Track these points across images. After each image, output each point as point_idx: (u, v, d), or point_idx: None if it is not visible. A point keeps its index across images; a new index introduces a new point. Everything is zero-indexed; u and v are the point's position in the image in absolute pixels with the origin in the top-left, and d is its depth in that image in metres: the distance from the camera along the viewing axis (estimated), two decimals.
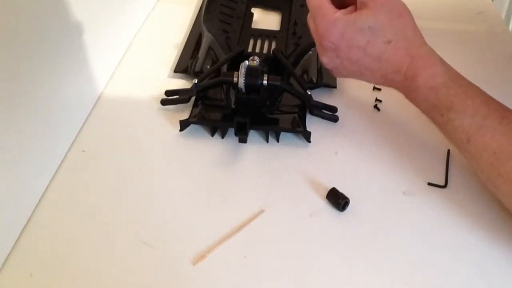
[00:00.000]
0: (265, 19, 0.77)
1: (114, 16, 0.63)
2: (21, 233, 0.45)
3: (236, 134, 0.54)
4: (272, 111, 0.58)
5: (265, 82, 0.55)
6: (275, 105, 0.59)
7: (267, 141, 0.56)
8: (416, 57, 0.49)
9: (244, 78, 0.54)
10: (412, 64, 0.49)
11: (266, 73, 0.55)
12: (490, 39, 0.74)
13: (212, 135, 0.56)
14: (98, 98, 0.60)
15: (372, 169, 0.53)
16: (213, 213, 0.48)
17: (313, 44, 0.64)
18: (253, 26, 0.74)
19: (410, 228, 0.48)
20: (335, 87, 0.62)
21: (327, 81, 0.62)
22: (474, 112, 0.46)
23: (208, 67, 0.62)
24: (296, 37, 0.70)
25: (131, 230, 0.46)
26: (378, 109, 0.60)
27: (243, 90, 0.55)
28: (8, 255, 0.44)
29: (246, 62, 0.55)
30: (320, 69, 0.63)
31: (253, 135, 0.56)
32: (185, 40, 0.69)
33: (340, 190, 0.49)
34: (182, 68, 0.64)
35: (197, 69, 0.62)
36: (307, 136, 0.55)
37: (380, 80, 0.52)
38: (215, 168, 0.52)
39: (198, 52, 0.66)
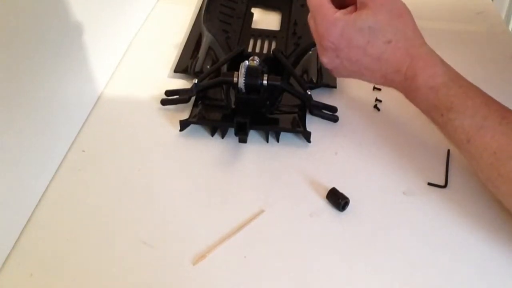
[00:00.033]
0: (265, 19, 0.77)
1: (114, 16, 0.63)
2: (21, 233, 0.45)
3: (236, 134, 0.54)
4: (272, 111, 0.58)
5: (265, 82, 0.55)
6: (275, 105, 0.59)
7: (267, 141, 0.56)
8: (416, 57, 0.49)
9: (244, 78, 0.54)
10: (412, 64, 0.49)
11: (266, 73, 0.55)
12: (490, 39, 0.74)
13: (212, 135, 0.56)
14: (98, 98, 0.60)
15: (372, 169, 0.53)
16: (213, 213, 0.48)
17: (313, 44, 0.64)
18: (253, 26, 0.74)
19: (410, 228, 0.48)
20: (335, 87, 0.62)
21: (327, 81, 0.62)
22: (474, 112, 0.46)
23: (208, 67, 0.62)
24: (296, 37, 0.70)
25: (131, 230, 0.46)
26: (378, 109, 0.60)
27: (243, 90, 0.55)
28: (8, 255, 0.44)
29: (246, 62, 0.55)
30: (320, 69, 0.63)
31: (253, 135, 0.56)
32: (185, 40, 0.69)
33: (340, 190, 0.49)
34: (182, 68, 0.64)
35: (197, 69, 0.62)
36: (307, 136, 0.55)
37: (380, 80, 0.52)
38: (215, 168, 0.52)
39: (198, 52, 0.66)
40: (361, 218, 0.48)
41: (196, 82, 0.58)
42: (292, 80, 0.61)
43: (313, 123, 0.58)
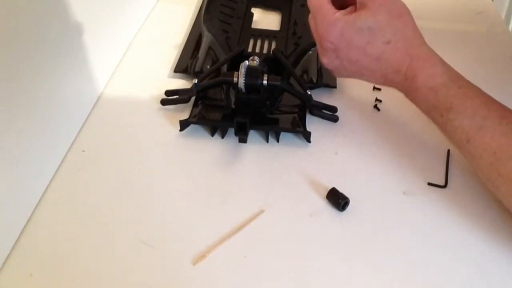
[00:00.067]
0: (265, 19, 0.77)
1: (114, 16, 0.63)
2: (21, 233, 0.45)
3: (236, 134, 0.54)
4: (272, 111, 0.58)
5: (265, 82, 0.55)
6: (275, 105, 0.59)
7: (267, 141, 0.56)
8: (415, 57, 0.49)
9: (244, 78, 0.54)
10: (412, 64, 0.49)
11: (266, 73, 0.55)
12: (490, 39, 0.74)
13: (212, 135, 0.56)
14: (98, 98, 0.60)
15: (372, 169, 0.53)
16: (213, 213, 0.48)
17: (313, 44, 0.64)
18: (253, 26, 0.74)
19: (410, 228, 0.48)
20: (335, 87, 0.62)
21: (327, 81, 0.62)
22: (474, 112, 0.46)
23: (208, 67, 0.62)
24: (296, 37, 0.70)
25: (131, 230, 0.46)
26: (378, 109, 0.60)
27: (243, 90, 0.55)
28: (8, 255, 0.44)
29: (246, 62, 0.55)
30: (320, 69, 0.63)
31: (253, 135, 0.56)
32: (185, 40, 0.69)
33: (340, 190, 0.49)
34: (182, 68, 0.64)
35: (197, 69, 0.62)
36: (307, 136, 0.55)
37: (380, 80, 0.52)
38: (215, 168, 0.52)
39: (198, 52, 0.66)
40: (361, 218, 0.48)
41: (196, 82, 0.58)
42: (292, 80, 0.61)
43: (313, 123, 0.58)
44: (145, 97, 0.60)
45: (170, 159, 0.53)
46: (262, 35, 0.72)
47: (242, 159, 0.54)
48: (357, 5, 0.50)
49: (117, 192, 0.50)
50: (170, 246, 0.45)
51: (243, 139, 0.55)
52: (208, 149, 0.54)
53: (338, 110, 0.59)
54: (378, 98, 0.61)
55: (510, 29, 0.87)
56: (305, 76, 0.62)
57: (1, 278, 0.42)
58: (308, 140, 0.55)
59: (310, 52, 0.65)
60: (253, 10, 0.77)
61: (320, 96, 0.60)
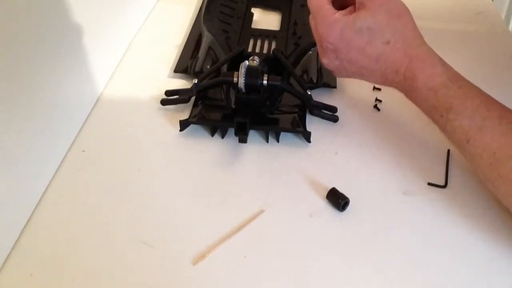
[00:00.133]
0: (265, 19, 0.77)
1: (114, 16, 0.63)
2: (21, 233, 0.45)
3: (236, 134, 0.54)
4: (272, 111, 0.58)
5: (265, 82, 0.55)
6: (275, 105, 0.59)
7: (267, 141, 0.56)
8: (414, 57, 0.49)
9: (244, 78, 0.54)
10: (411, 64, 0.49)
11: (266, 73, 0.55)
12: (490, 39, 0.74)
13: (212, 135, 0.56)
14: (98, 98, 0.60)
15: (372, 169, 0.53)
16: (213, 213, 0.48)
17: (313, 44, 0.64)
18: (253, 26, 0.74)
19: (410, 228, 0.48)
20: (335, 87, 0.62)
21: (327, 81, 0.62)
22: (473, 113, 0.46)
23: (208, 67, 0.62)
24: (296, 37, 0.70)
25: (131, 230, 0.46)
26: (378, 109, 0.60)
27: (243, 90, 0.55)
28: (8, 255, 0.44)
29: (246, 62, 0.55)
30: (320, 69, 0.63)
31: (253, 135, 0.56)
32: (185, 40, 0.69)
33: (340, 190, 0.49)
34: (182, 68, 0.64)
35: (197, 69, 0.62)
36: (307, 136, 0.55)
37: (380, 80, 0.52)
38: (215, 168, 0.52)
39: (198, 52, 0.66)
40: (361, 218, 0.48)
41: (196, 82, 0.58)
42: (292, 80, 0.61)
43: (313, 123, 0.58)
44: (145, 97, 0.60)
45: (170, 159, 0.53)
46: (262, 35, 0.72)
47: (242, 159, 0.54)
48: (357, 5, 0.50)
49: (117, 192, 0.50)
50: (170, 246, 0.45)
51: (243, 139, 0.55)
52: (208, 149, 0.54)
53: (338, 110, 0.59)
54: (378, 98, 0.61)
55: (510, 29, 0.87)
56: (305, 76, 0.62)
57: (1, 278, 0.42)
58: (308, 140, 0.55)
59: (310, 52, 0.65)
60: (253, 10, 0.77)
61: (320, 96, 0.60)
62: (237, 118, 0.53)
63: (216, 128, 0.56)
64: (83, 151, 0.54)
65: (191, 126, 0.56)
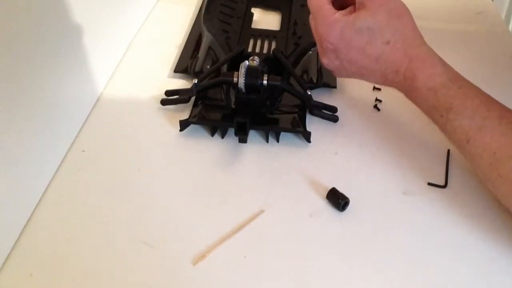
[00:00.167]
0: (265, 19, 0.77)
1: (114, 16, 0.63)
2: (21, 233, 0.45)
3: (236, 134, 0.54)
4: (272, 111, 0.58)
5: (265, 82, 0.55)
6: (275, 105, 0.59)
7: (267, 141, 0.56)
8: (414, 57, 0.49)
9: (244, 78, 0.54)
10: (411, 65, 0.49)
11: (266, 73, 0.55)
12: (490, 39, 0.74)
13: (212, 135, 0.56)
14: (98, 98, 0.60)
15: (372, 169, 0.53)
16: (213, 213, 0.48)
17: (313, 44, 0.64)
18: (253, 26, 0.74)
19: (410, 228, 0.48)
20: (335, 87, 0.62)
21: (327, 81, 0.62)
22: (473, 113, 0.46)
23: (208, 67, 0.62)
24: (296, 37, 0.70)
25: (131, 230, 0.46)
26: (378, 109, 0.60)
27: (243, 90, 0.55)
28: (8, 255, 0.44)
29: (246, 62, 0.55)
30: (320, 69, 0.63)
31: (253, 135, 0.56)
32: (185, 40, 0.69)
33: (340, 190, 0.49)
34: (182, 68, 0.64)
35: (197, 69, 0.62)
36: (307, 136, 0.55)
37: (381, 80, 0.52)
38: (215, 168, 0.52)
39: (198, 52, 0.66)
40: (361, 218, 0.48)
41: (196, 82, 0.58)
42: (292, 80, 0.61)
43: (313, 123, 0.58)
44: (145, 97, 0.60)
45: (170, 159, 0.53)
46: (262, 35, 0.72)
47: (242, 159, 0.54)
48: (357, 5, 0.50)
49: (117, 192, 0.50)
50: (170, 246, 0.45)
51: (243, 139, 0.55)
52: (208, 149, 0.54)
53: (338, 110, 0.59)
54: (378, 98, 0.61)
55: (510, 29, 0.87)
56: (305, 76, 0.62)
57: (1, 278, 0.42)
58: (308, 140, 0.55)
59: (310, 52, 0.65)
60: (253, 10, 0.77)
61: (320, 96, 0.60)
62: (237, 118, 0.53)
63: (216, 128, 0.56)
64: (83, 151, 0.54)
65: (191, 126, 0.56)
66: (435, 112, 0.49)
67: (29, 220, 0.46)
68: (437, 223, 0.48)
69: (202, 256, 0.44)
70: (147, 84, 0.62)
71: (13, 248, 0.44)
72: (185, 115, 0.57)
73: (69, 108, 0.53)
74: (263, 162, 0.53)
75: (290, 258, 0.45)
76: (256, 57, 0.57)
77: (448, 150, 0.55)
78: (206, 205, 0.49)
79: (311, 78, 0.62)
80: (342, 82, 0.63)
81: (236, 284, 0.43)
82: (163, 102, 0.59)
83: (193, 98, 0.58)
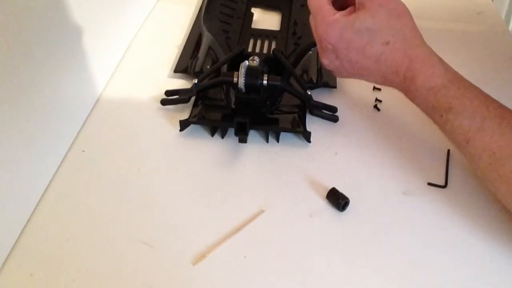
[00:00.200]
0: (265, 19, 0.77)
1: (114, 16, 0.63)
2: (21, 233, 0.45)
3: (236, 134, 0.54)
4: (272, 111, 0.58)
5: (265, 82, 0.55)
6: (275, 105, 0.59)
7: (267, 141, 0.56)
8: (414, 58, 0.49)
9: (244, 78, 0.54)
10: (411, 65, 0.49)
11: (266, 73, 0.55)
12: (490, 39, 0.74)
13: (212, 135, 0.56)
14: (98, 98, 0.60)
15: (372, 169, 0.53)
16: (213, 213, 0.48)
17: (313, 44, 0.64)
18: (253, 26, 0.74)
19: (410, 228, 0.48)
20: (335, 87, 0.62)
21: (327, 81, 0.62)
22: (473, 113, 0.46)
23: (208, 67, 0.62)
24: (296, 37, 0.70)
25: (131, 230, 0.46)
26: (378, 109, 0.60)
27: (243, 90, 0.55)
28: (8, 255, 0.44)
29: (246, 62, 0.55)
30: (320, 69, 0.63)
31: (253, 135, 0.56)
32: (185, 40, 0.69)
33: (340, 190, 0.49)
34: (182, 68, 0.64)
35: (197, 69, 0.62)
36: (307, 136, 0.55)
37: (381, 81, 0.52)
38: (215, 168, 0.52)
39: (198, 52, 0.66)
40: (361, 218, 0.48)
41: (196, 82, 0.58)
42: (292, 80, 0.61)
43: (313, 123, 0.58)
44: (145, 97, 0.60)
45: (170, 159, 0.53)
46: (262, 35, 0.72)
47: (242, 159, 0.54)
48: (356, 6, 0.50)
49: (117, 192, 0.50)
50: (170, 246, 0.45)
51: (243, 139, 0.55)
52: (208, 149, 0.54)
53: (338, 110, 0.59)
54: (378, 98, 0.61)
55: (510, 29, 0.87)
56: (305, 76, 0.62)
57: (1, 278, 0.42)
58: (308, 140, 0.55)
59: (310, 52, 0.65)
60: (253, 10, 0.77)
61: (320, 96, 0.60)
62: (237, 118, 0.53)
63: (216, 128, 0.56)
64: (83, 151, 0.54)
65: (191, 126, 0.56)
66: (435, 112, 0.49)
67: (29, 220, 0.46)
68: (437, 223, 0.48)
69: (202, 256, 0.44)
70: (147, 84, 0.62)
71: (13, 248, 0.44)
72: (185, 115, 0.57)
73: (69, 108, 0.53)
74: (263, 162, 0.53)
75: (290, 258, 0.45)
76: (256, 57, 0.57)
77: (448, 150, 0.55)
78: (206, 205, 0.49)
79: (311, 78, 0.62)
80: (342, 82, 0.63)
81: (236, 284, 0.43)
82: (163, 102, 0.59)
83: (193, 98, 0.58)
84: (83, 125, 0.56)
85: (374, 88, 0.62)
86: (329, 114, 0.58)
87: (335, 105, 0.59)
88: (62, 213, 0.47)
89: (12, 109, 0.43)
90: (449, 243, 0.46)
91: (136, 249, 0.45)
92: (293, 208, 0.49)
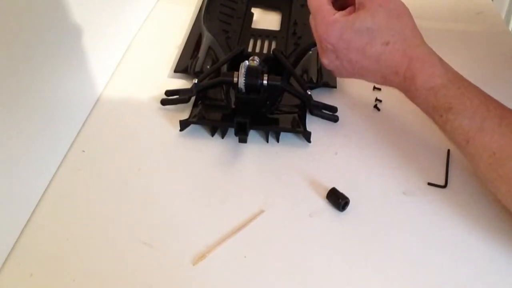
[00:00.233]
0: (265, 19, 0.77)
1: (114, 16, 0.63)
2: (21, 233, 0.45)
3: (236, 134, 0.54)
4: (272, 111, 0.58)
5: (265, 82, 0.55)
6: (275, 105, 0.59)
7: (267, 141, 0.56)
8: (414, 58, 0.49)
9: (244, 78, 0.54)
10: (410, 65, 0.49)
11: (266, 73, 0.55)
12: (490, 39, 0.74)
13: (212, 135, 0.56)
14: (98, 98, 0.60)
15: (372, 169, 0.53)
16: (213, 213, 0.48)
17: (313, 44, 0.64)
18: (253, 26, 0.74)
19: (410, 228, 0.48)
20: (335, 87, 0.62)
21: (327, 81, 0.62)
22: (473, 113, 0.46)
23: (208, 67, 0.62)
24: (296, 37, 0.70)
25: (131, 230, 0.46)
26: (378, 109, 0.60)
27: (243, 90, 0.55)
28: (8, 255, 0.44)
29: (246, 62, 0.55)
30: (320, 69, 0.63)
31: (253, 135, 0.56)
32: (185, 40, 0.69)
33: (340, 190, 0.49)
34: (182, 68, 0.64)
35: (197, 69, 0.62)
36: (307, 136, 0.55)
37: (381, 81, 0.52)
38: (215, 168, 0.52)
39: (198, 52, 0.66)
40: (361, 218, 0.48)
41: (196, 82, 0.58)
42: (292, 80, 0.61)
43: (313, 123, 0.58)
44: (145, 97, 0.60)
45: (170, 159, 0.53)
46: (262, 35, 0.72)
47: (242, 159, 0.54)
48: (356, 6, 0.50)
49: (117, 192, 0.50)
50: (170, 246, 0.45)
51: (243, 139, 0.55)
52: (208, 149, 0.54)
53: (338, 110, 0.59)
54: (378, 98, 0.61)
55: (510, 29, 0.87)
56: (305, 76, 0.62)
57: (1, 278, 0.42)
58: (308, 140, 0.55)
59: (310, 52, 0.65)
60: (253, 10, 0.77)
61: (320, 96, 0.60)
62: (237, 118, 0.53)
63: (216, 128, 0.56)
64: (83, 151, 0.54)
65: (191, 126, 0.56)
66: (435, 112, 0.49)
67: (29, 220, 0.46)
68: (437, 223, 0.48)
69: (202, 256, 0.44)
70: (147, 84, 0.62)
71: (13, 248, 0.44)
72: (185, 115, 0.57)
73: (69, 108, 0.53)
74: (263, 162, 0.53)
75: (290, 258, 0.45)
76: (256, 57, 0.57)
77: (448, 150, 0.55)
78: (206, 205, 0.49)
79: (311, 78, 0.62)
80: (342, 82, 0.63)
81: (236, 284, 0.43)
82: (163, 102, 0.59)
83: (193, 98, 0.58)
84: (83, 125, 0.56)
85: (374, 88, 0.62)
86: (329, 114, 0.58)
87: (335, 105, 0.59)
88: (62, 213, 0.47)
89: (12, 109, 0.43)
90: (449, 243, 0.46)
91: (136, 249, 0.45)
92: (293, 208, 0.49)
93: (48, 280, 0.42)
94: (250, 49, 0.70)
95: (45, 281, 0.42)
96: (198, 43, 0.68)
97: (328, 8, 0.51)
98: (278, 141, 0.56)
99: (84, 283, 0.42)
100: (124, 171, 0.52)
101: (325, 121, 0.58)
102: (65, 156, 0.53)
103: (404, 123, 0.58)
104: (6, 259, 0.43)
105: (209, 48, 0.65)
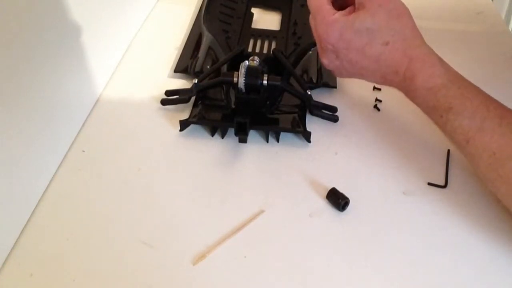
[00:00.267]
0: (265, 19, 0.77)
1: (114, 16, 0.63)
2: (21, 233, 0.45)
3: (236, 134, 0.54)
4: (272, 111, 0.58)
5: (265, 82, 0.55)
6: (275, 105, 0.59)
7: (267, 141, 0.56)
8: (414, 58, 0.49)
9: (244, 78, 0.54)
10: (410, 65, 0.49)
11: (266, 73, 0.55)
12: (490, 39, 0.74)
13: (212, 135, 0.56)
14: (98, 98, 0.60)
15: (372, 169, 0.53)
16: (213, 213, 0.48)
17: (313, 44, 0.64)
18: (253, 26, 0.74)
19: (410, 228, 0.48)
20: (335, 87, 0.62)
21: (327, 81, 0.62)
22: (473, 113, 0.46)
23: (208, 67, 0.62)
24: (296, 37, 0.70)
25: (131, 230, 0.46)
26: (378, 109, 0.60)
27: (243, 90, 0.55)
28: (8, 255, 0.44)
29: (246, 62, 0.55)
30: (320, 69, 0.63)
31: (253, 135, 0.56)
32: (185, 40, 0.69)
33: (340, 190, 0.49)
34: (182, 68, 0.64)
35: (197, 69, 0.62)
36: (307, 136, 0.55)
37: (381, 81, 0.52)
38: (215, 168, 0.52)
39: (198, 52, 0.66)
40: (361, 218, 0.48)
41: (196, 82, 0.58)
42: (292, 80, 0.61)
43: (313, 123, 0.58)
44: (145, 97, 0.60)
45: (170, 159, 0.53)
46: (262, 35, 0.72)
47: (242, 159, 0.54)
48: (356, 6, 0.50)
49: (117, 192, 0.50)
50: (170, 246, 0.45)
51: (243, 139, 0.55)
52: (208, 149, 0.54)
53: (338, 110, 0.59)
54: (378, 98, 0.61)
55: (510, 29, 0.87)
56: (305, 76, 0.62)
57: (1, 278, 0.42)
58: (308, 140, 0.55)
59: (310, 52, 0.65)
60: (253, 10, 0.77)
61: (320, 96, 0.60)
62: (237, 118, 0.53)
63: (216, 128, 0.56)
64: (83, 151, 0.54)
65: (191, 126, 0.56)
66: (435, 112, 0.49)
67: (29, 220, 0.46)
68: (437, 223, 0.48)
69: (202, 256, 0.44)
70: (147, 84, 0.62)
71: (13, 248, 0.44)
72: (185, 115, 0.57)
73: (69, 108, 0.53)
74: (263, 162, 0.53)
75: (290, 258, 0.45)
76: (256, 57, 0.57)
77: (448, 150, 0.55)
78: (206, 205, 0.49)
79: (311, 78, 0.62)
80: (342, 82, 0.63)
81: (236, 284, 0.43)
82: (163, 102, 0.59)
83: (193, 98, 0.58)
84: (83, 125, 0.56)
85: (374, 88, 0.62)
86: (329, 114, 0.58)
87: (335, 105, 0.59)
88: (62, 213, 0.47)
89: (12, 109, 0.43)
90: (449, 243, 0.46)
91: (136, 249, 0.45)
92: (293, 208, 0.49)
93: (48, 280, 0.42)
94: (250, 49, 0.70)
95: (45, 281, 0.42)
96: (198, 43, 0.68)
97: (328, 8, 0.51)
98: (278, 141, 0.56)
99: (84, 283, 0.42)
100: (124, 171, 0.52)
101: (325, 121, 0.58)
102: (65, 156, 0.53)
103: (404, 123, 0.58)
104: (6, 259, 0.43)
105: (209, 48, 0.65)
